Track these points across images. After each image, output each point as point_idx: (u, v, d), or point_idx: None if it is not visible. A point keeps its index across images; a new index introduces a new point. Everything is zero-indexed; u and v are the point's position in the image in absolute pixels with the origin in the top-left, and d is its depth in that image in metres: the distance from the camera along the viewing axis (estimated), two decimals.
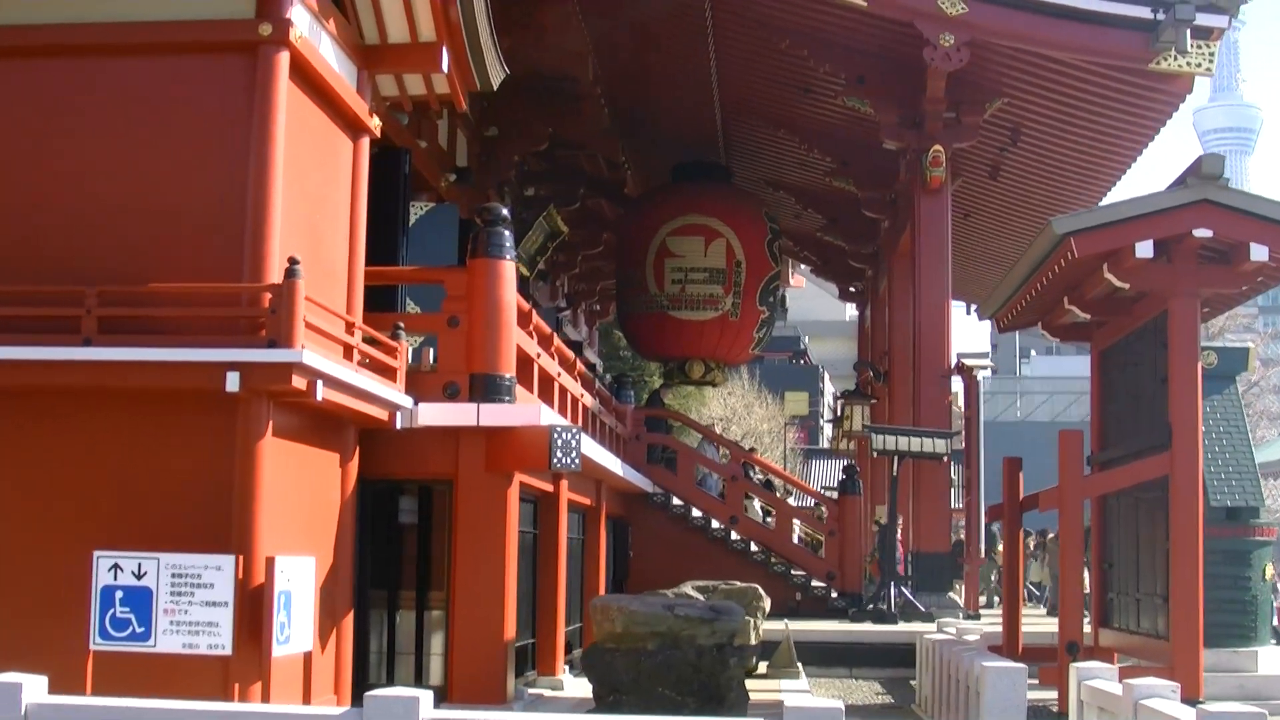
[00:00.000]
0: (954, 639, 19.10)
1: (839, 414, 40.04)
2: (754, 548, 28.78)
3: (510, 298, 16.18)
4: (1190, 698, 15.42)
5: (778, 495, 32.92)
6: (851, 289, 44.06)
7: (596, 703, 14.18)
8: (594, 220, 38.54)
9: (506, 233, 16.33)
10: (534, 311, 18.23)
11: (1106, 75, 26.31)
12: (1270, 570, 21.39)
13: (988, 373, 31.84)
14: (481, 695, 15.30)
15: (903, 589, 26.79)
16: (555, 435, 15.40)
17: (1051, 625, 23.84)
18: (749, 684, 19.47)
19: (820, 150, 33.76)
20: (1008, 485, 19.15)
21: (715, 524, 28.79)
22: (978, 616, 27.66)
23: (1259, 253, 15.29)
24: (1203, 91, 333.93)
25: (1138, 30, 25.26)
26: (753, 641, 20.72)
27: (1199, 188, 15.30)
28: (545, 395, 18.99)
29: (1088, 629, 19.69)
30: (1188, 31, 24.88)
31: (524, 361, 17.64)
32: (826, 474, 63.30)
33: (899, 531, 28.20)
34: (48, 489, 12.95)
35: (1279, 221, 15.25)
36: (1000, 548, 31.97)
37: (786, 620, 21.63)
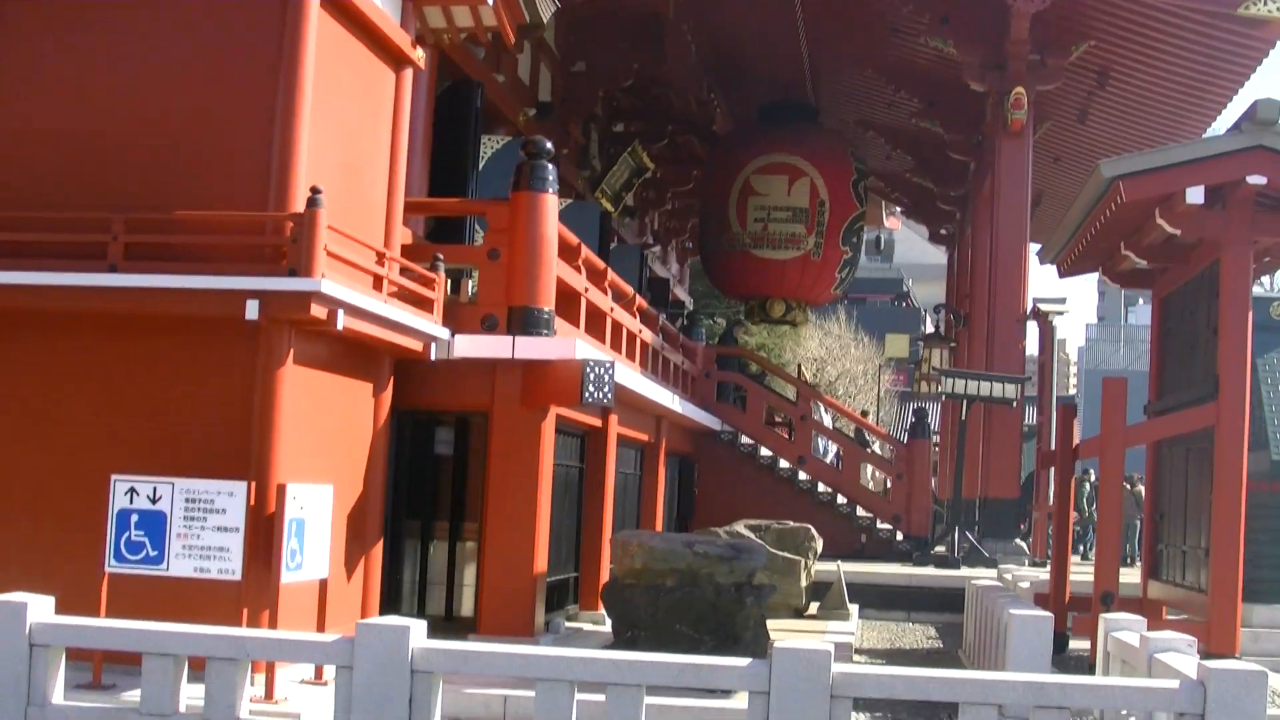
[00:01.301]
0: (995, 586, 18.91)
1: (920, 357, 39.74)
2: (821, 488, 28.62)
3: (551, 232, 16.08)
4: (1224, 652, 15.21)
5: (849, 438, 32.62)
6: (942, 231, 43.61)
7: (615, 638, 14.15)
8: (684, 158, 38.33)
9: (550, 166, 16.17)
10: (583, 246, 18.08)
11: (1195, 19, 25.83)
12: None
13: (1064, 318, 31.40)
14: (509, 628, 15.30)
15: (968, 534, 26.59)
16: (588, 369, 15.31)
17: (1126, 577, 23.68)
18: (796, 624, 19.60)
19: (907, 91, 33.46)
20: (1061, 432, 18.89)
21: (784, 463, 28.66)
22: (1044, 564, 27.39)
23: None
24: None
25: None
26: (803, 583, 20.72)
27: (1254, 133, 14.94)
28: (595, 330, 18.92)
29: (1138, 580, 19.47)
30: None
31: (569, 295, 17.58)
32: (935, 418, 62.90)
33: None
34: (71, 414, 13.05)
35: None
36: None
37: (839, 562, 21.44)
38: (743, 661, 9.37)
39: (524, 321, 15.70)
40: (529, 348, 15.54)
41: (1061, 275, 20.23)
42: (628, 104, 33.96)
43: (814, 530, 21.24)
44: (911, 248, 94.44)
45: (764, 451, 28.81)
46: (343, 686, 9.32)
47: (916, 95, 33.18)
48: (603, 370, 15.39)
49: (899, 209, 48.27)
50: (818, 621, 20.34)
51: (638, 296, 22.04)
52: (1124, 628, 13.42)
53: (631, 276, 32.24)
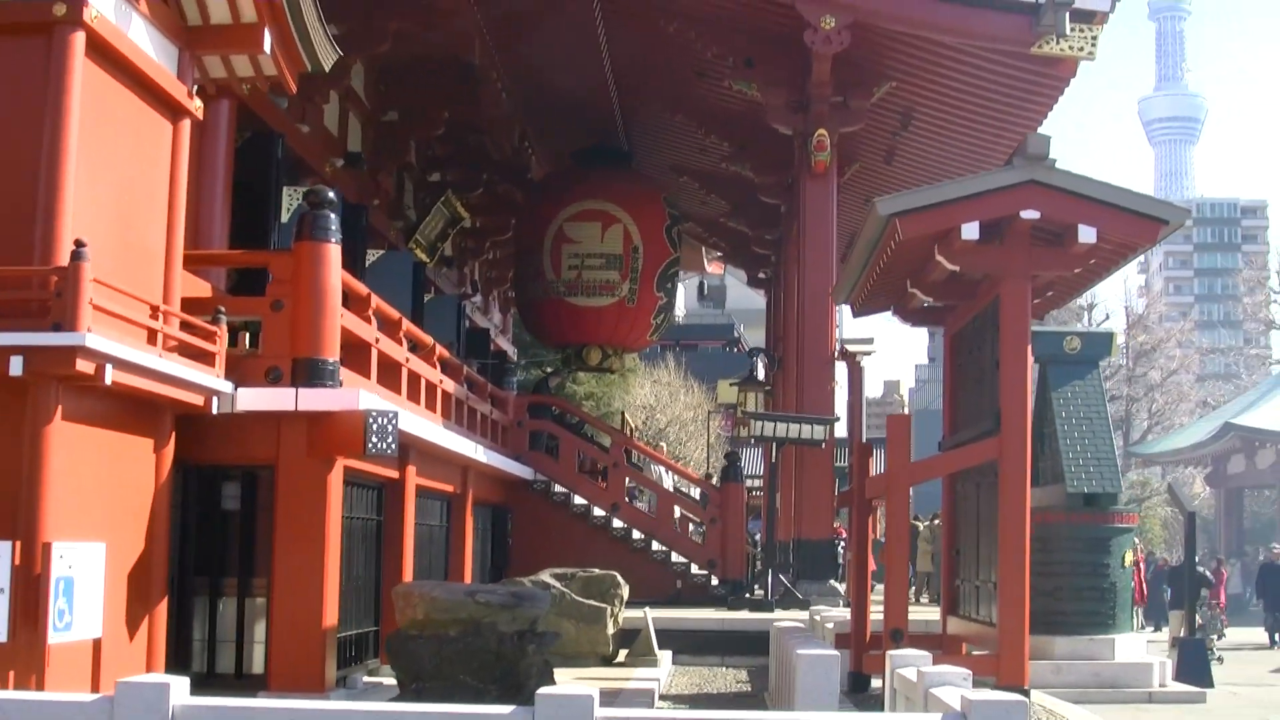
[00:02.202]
0: (794, 627, 18.96)
1: (736, 401, 39.91)
2: (636, 535, 28.62)
3: (335, 282, 15.95)
4: (1013, 684, 15.33)
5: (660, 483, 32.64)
6: (760, 275, 43.92)
7: (400, 690, 13.98)
8: (501, 206, 38.30)
9: (333, 215, 16.07)
10: (373, 296, 17.94)
11: (992, 59, 26.31)
12: (1130, 557, 21.37)
13: (870, 358, 31.65)
14: (300, 683, 15.07)
15: (781, 577, 26.69)
16: (370, 419, 15.16)
17: (934, 614, 23.87)
18: (601, 672, 19.55)
19: (717, 135, 33.67)
20: (856, 472, 18.99)
21: (598, 511, 28.62)
22: None
23: (1087, 234, 15.10)
24: (1148, 81, 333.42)
25: (1020, 14, 25.29)
26: (610, 631, 20.68)
27: (1026, 168, 15.13)
28: (389, 381, 18.79)
29: (938, 617, 19.60)
30: (1067, 15, 24.93)
31: (359, 346, 17.45)
32: (756, 462, 63.26)
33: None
34: None
35: (1106, 203, 15.08)
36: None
37: (646, 609, 21.43)
38: (505, 709, 9.24)
39: (308, 373, 15.53)
40: (312, 399, 15.36)
41: (855, 315, 20.42)
42: (443, 152, 33.93)
43: (619, 577, 21.23)
44: (743, 293, 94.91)
45: (579, 500, 28.75)
46: None
47: (726, 139, 33.39)
48: (386, 420, 15.25)
49: (719, 254, 48.51)
50: (624, 669, 20.31)
51: (437, 346, 21.89)
52: (907, 663, 13.47)
53: (449, 327, 32.25)
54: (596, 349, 35.76)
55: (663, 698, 18.89)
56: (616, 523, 28.67)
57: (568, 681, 18.58)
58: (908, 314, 19.28)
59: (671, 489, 34.94)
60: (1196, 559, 38.87)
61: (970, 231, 15.08)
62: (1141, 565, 27.75)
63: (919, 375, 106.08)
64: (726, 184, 36.73)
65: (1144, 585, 28.09)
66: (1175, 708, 20.05)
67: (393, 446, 15.39)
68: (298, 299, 15.71)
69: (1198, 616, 28.37)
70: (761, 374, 36.83)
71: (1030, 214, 15.09)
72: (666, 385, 66.35)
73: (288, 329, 15.72)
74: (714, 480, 32.99)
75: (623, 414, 47.60)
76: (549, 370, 39.55)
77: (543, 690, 9.02)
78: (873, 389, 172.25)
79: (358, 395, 15.45)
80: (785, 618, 23.34)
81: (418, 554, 20.83)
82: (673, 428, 61.03)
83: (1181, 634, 25.93)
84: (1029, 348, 15.64)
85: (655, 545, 28.71)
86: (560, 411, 33.70)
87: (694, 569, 28.51)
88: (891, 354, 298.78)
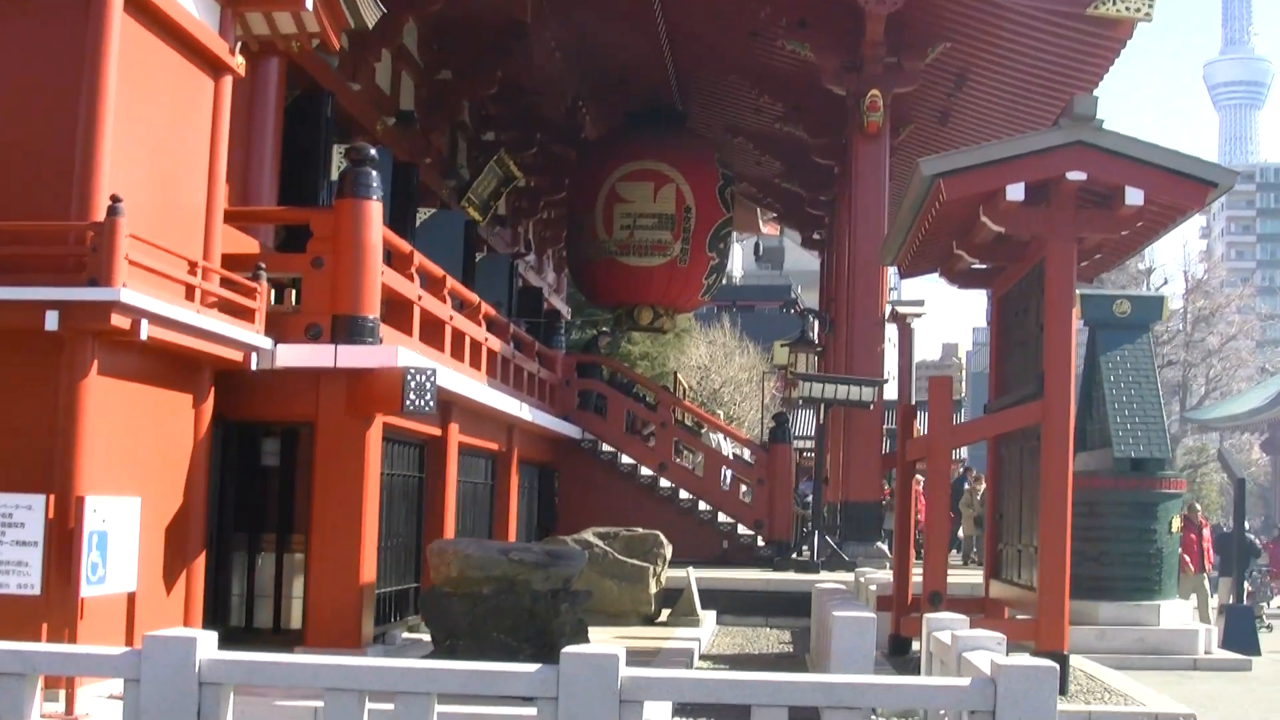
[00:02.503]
0: (835, 588, 18.89)
1: (787, 363, 39.72)
2: (684, 495, 28.58)
3: (376, 239, 15.90)
4: (1053, 650, 15.22)
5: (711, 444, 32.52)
6: (815, 236, 43.70)
7: (434, 647, 14.01)
8: (556, 166, 38.20)
9: (374, 173, 15.99)
10: (415, 253, 17.90)
11: (1047, 19, 26.04)
12: (1177, 523, 21.19)
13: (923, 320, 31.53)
14: (337, 639, 15.10)
15: (828, 539, 26.62)
16: (409, 376, 15.12)
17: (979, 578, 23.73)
18: (642, 631, 19.55)
19: (771, 96, 33.48)
20: (901, 433, 18.91)
21: (645, 470, 28.58)
22: None
23: (1134, 196, 14.92)
24: (1214, 44, 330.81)
25: None
26: (653, 590, 20.66)
27: (1072, 129, 14.95)
28: (432, 339, 18.77)
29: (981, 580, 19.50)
30: None
31: (402, 304, 17.44)
32: (809, 423, 63.06)
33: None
34: None
35: (1154, 164, 14.90)
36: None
37: (689, 568, 21.39)
38: (531, 667, 9.23)
39: (348, 330, 15.51)
40: (351, 356, 15.34)
41: (902, 276, 20.28)
42: (496, 112, 33.80)
43: (662, 537, 21.22)
44: (801, 255, 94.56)
45: (626, 459, 28.71)
46: (131, 700, 9.10)
47: (780, 100, 33.20)
48: (424, 378, 15.21)
49: (774, 215, 48.29)
50: (666, 628, 20.31)
51: (483, 304, 21.83)
52: (943, 627, 13.38)
53: (500, 285, 32.23)
54: (648, 309, 35.58)
55: (703, 657, 18.87)
56: (664, 483, 28.60)
57: (607, 640, 18.64)
58: (954, 276, 19.13)
59: (729, 453, 34.91)
60: (1251, 527, 38.69)
61: (1015, 193, 14.93)
62: (1206, 531, 27.31)
63: (976, 339, 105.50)
64: (780, 145, 36.54)
65: (1209, 552, 27.69)
66: (1220, 675, 19.92)
67: (431, 404, 15.35)
68: (338, 256, 15.68)
69: (1247, 584, 28.21)
70: (815, 335, 36.62)
71: (1076, 175, 14.91)
72: (721, 346, 66.07)
73: (328, 286, 15.70)
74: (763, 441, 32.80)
75: (675, 374, 47.50)
76: (601, 330, 39.37)
77: (568, 649, 9.00)
78: (930, 352, 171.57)
79: (396, 352, 15.43)
80: (829, 579, 23.28)
81: (460, 512, 20.85)
82: (727, 389, 60.82)
83: (1230, 601, 25.73)
84: (1074, 311, 15.53)
85: (702, 505, 28.65)
86: (611, 372, 33.63)
87: (741, 529, 28.46)
88: (950, 316, 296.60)
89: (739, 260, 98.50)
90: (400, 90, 27.88)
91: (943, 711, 10.97)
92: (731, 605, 23.42)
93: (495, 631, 13.36)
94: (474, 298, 21.58)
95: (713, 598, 23.14)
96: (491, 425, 21.77)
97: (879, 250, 27.03)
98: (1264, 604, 29.05)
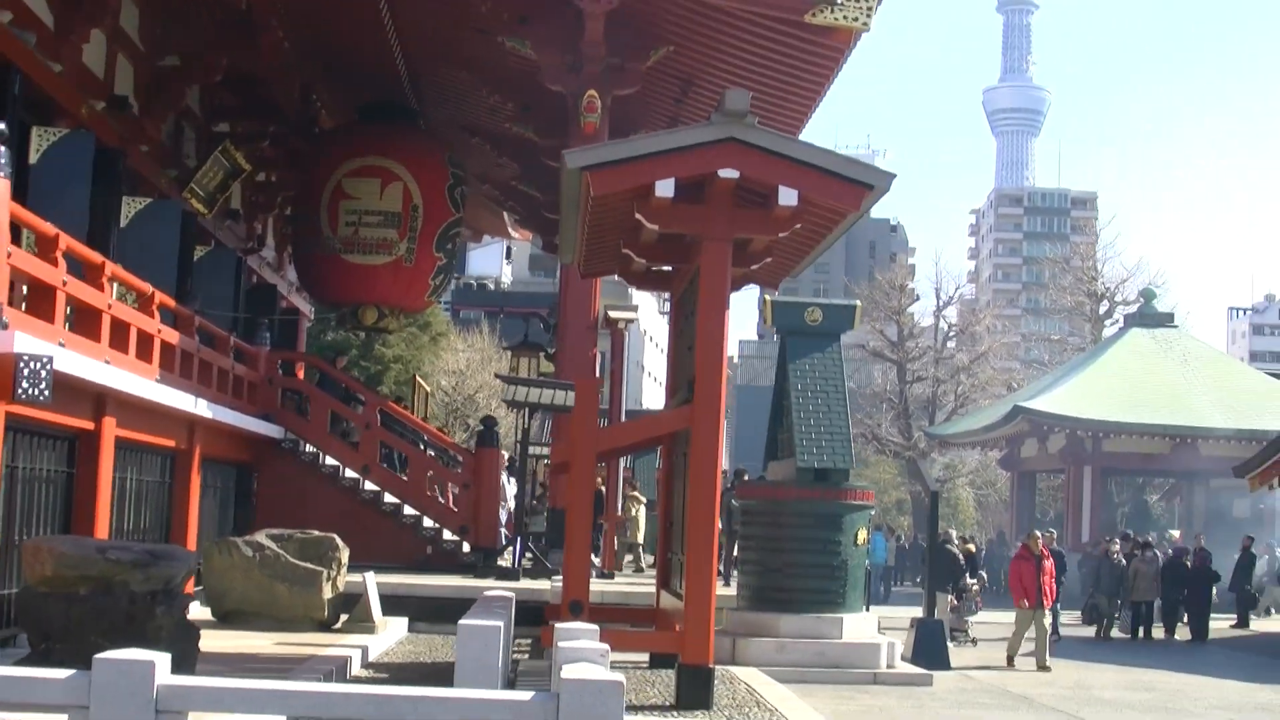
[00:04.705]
0: (497, 595, 18.37)
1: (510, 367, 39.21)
2: (389, 498, 27.92)
3: (2, 218, 15.01)
4: (698, 663, 14.88)
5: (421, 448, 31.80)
6: (556, 241, 43.18)
7: (31, 650, 13.20)
8: (292, 159, 37.22)
9: (3, 149, 15.10)
10: (61, 236, 16.99)
11: (768, 26, 25.81)
12: (863, 535, 21.01)
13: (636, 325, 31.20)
14: None
15: (530, 546, 26.16)
16: (21, 364, 14.28)
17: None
18: (309, 638, 18.86)
19: (501, 95, 32.90)
20: (555, 439, 18.46)
21: (350, 473, 27.88)
22: (612, 576, 27.14)
23: (788, 196, 14.66)
24: (993, 72, 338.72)
25: None
26: (327, 595, 20.01)
27: (725, 125, 14.63)
28: (87, 328, 17.91)
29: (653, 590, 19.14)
30: None
31: (43, 290, 16.57)
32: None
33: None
34: None
35: (809, 164, 14.64)
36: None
37: (367, 574, 20.75)
38: (63, 673, 8.61)
39: None
40: None
41: (583, 276, 19.84)
42: (229, 102, 32.89)
43: (339, 540, 20.58)
44: None
45: (330, 461, 27.99)
46: None
47: (511, 99, 32.64)
48: (39, 365, 14.37)
49: (516, 218, 47.72)
50: (337, 635, 19.67)
51: (157, 294, 20.96)
52: (570, 637, 12.90)
53: (225, 281, 31.30)
54: (373, 308, 34.70)
55: (370, 665, 18.26)
56: (369, 485, 27.90)
57: (267, 645, 17.97)
58: (632, 277, 18.80)
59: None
60: (974, 540, 38.93)
61: (665, 189, 14.55)
62: (1048, 563, 26.28)
63: (743, 351, 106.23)
64: (515, 146, 35.94)
65: (1049, 584, 26.14)
66: (898, 689, 19.77)
67: (46, 393, 14.51)
68: None
69: (951, 598, 28.19)
70: (543, 340, 36.18)
71: (729, 173, 14.59)
72: (480, 351, 65.60)
73: None
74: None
75: (414, 377, 46.78)
76: (338, 354, 38.50)
77: (100, 655, 8.44)
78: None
79: (12, 337, 14.56)
80: (523, 587, 22.86)
81: (128, 510, 20.08)
82: (482, 394, 60.28)
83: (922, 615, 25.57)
84: (727, 312, 15.13)
85: (408, 509, 27.99)
86: (320, 371, 32.80)
87: (446, 535, 27.85)
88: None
89: (509, 268, 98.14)
90: (116, 74, 26.86)
91: None
92: (426, 612, 22.83)
93: (93, 634, 12.57)
94: (146, 287, 20.70)
95: (408, 604, 22.60)
96: (165, 421, 20.91)
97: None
98: (967, 619, 29.03)
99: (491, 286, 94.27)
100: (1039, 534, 26.73)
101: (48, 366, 14.49)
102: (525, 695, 8.83)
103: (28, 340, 14.70)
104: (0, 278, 14.99)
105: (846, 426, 21.06)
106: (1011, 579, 25.62)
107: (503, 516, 29.06)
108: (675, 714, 14.61)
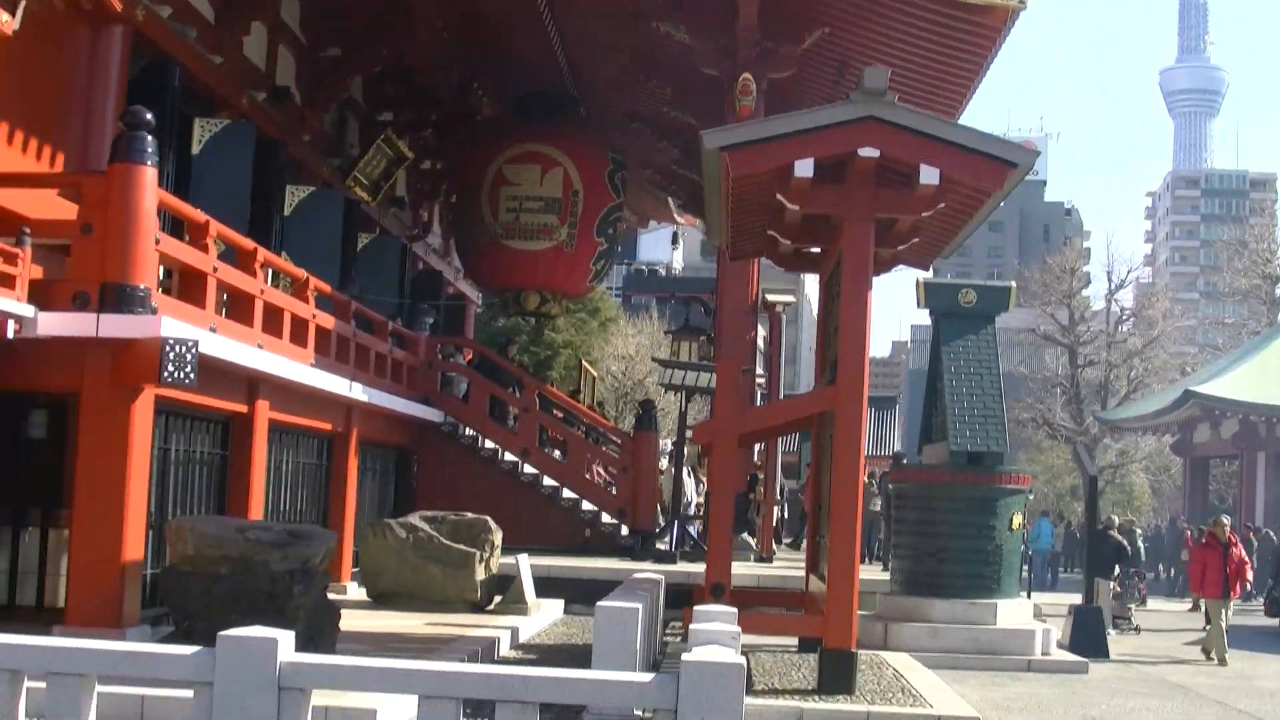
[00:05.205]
0: (646, 578, 18.33)
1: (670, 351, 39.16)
2: (547, 482, 28.02)
3: (150, 205, 15.23)
4: (841, 647, 14.76)
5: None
6: None
7: (175, 627, 13.42)
8: (455, 148, 37.53)
9: (149, 137, 15.32)
10: (211, 223, 17.22)
11: (923, 6, 25.49)
12: (1018, 520, 20.72)
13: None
14: (96, 619, 14.45)
15: (689, 529, 26.12)
16: (167, 348, 14.49)
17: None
18: (462, 619, 18.98)
19: (659, 80, 32.87)
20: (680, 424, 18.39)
21: (509, 456, 28.01)
22: (769, 559, 27.03)
23: (929, 175, 14.48)
24: (1169, 52, 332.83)
25: None
26: (480, 577, 20.11)
27: (864, 103, 14.49)
28: (241, 314, 18.18)
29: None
30: None
31: (195, 276, 16.83)
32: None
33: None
34: None
35: (949, 141, 14.46)
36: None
37: (520, 555, 20.82)
38: (189, 650, 8.73)
39: (117, 299, 14.84)
40: (114, 326, 14.68)
41: (731, 259, 19.73)
42: (391, 92, 33.18)
43: (491, 522, 20.68)
44: None
45: (489, 444, 28.14)
46: (202, 708, 8.48)
47: (668, 84, 32.63)
48: (184, 349, 14.58)
49: (679, 202, 47.64)
50: (489, 616, 19.78)
51: (311, 280, 21.17)
52: (709, 620, 12.85)
53: (390, 267, 31.66)
54: (535, 294, 34.93)
55: (520, 647, 18.34)
56: (528, 469, 28.01)
57: (419, 626, 18.12)
58: (780, 259, 18.63)
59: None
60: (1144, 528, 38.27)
61: (804, 169, 14.44)
62: (1236, 551, 24.89)
63: (914, 335, 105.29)
64: (675, 131, 35.91)
65: (1239, 572, 24.96)
66: (1050, 678, 19.46)
67: (191, 376, 14.71)
68: (109, 223, 15.03)
69: (1114, 584, 27.71)
70: (704, 324, 36.08)
71: (869, 152, 14.44)
72: (650, 336, 65.76)
73: (98, 253, 15.05)
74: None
75: (580, 361, 46.92)
76: (513, 340, 38.68)
77: (225, 633, 8.53)
78: (880, 348, 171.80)
79: (160, 322, 14.79)
80: (680, 569, 22.86)
81: (284, 492, 20.38)
82: (651, 379, 60.37)
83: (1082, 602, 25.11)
84: (869, 294, 14.98)
85: (566, 493, 28.07)
86: (479, 355, 32.94)
87: (604, 518, 27.89)
88: (901, 313, 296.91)
89: (680, 253, 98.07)
90: (278, 66, 27.22)
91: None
92: (583, 594, 22.78)
93: (232, 612, 12.74)
94: (300, 273, 20.94)
95: (565, 586, 22.69)
96: (320, 405, 21.14)
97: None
98: (1131, 606, 28.53)
99: (662, 272, 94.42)
100: (1226, 521, 25.78)
101: (193, 350, 14.70)
102: (646, 677, 8.76)
103: (174, 324, 14.93)
104: (149, 264, 15.23)
105: (1000, 409, 20.77)
106: (1193, 568, 24.74)
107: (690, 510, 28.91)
108: (817, 698, 14.49)
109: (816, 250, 18.09)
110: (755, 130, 14.67)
